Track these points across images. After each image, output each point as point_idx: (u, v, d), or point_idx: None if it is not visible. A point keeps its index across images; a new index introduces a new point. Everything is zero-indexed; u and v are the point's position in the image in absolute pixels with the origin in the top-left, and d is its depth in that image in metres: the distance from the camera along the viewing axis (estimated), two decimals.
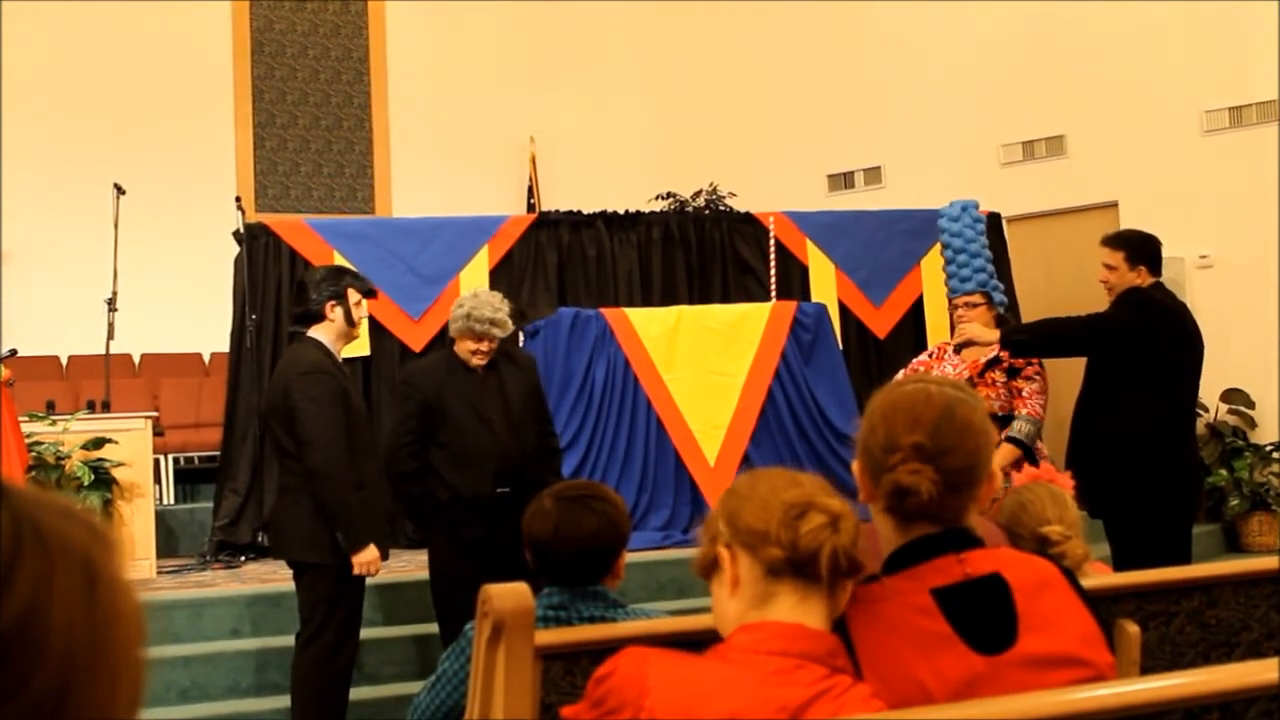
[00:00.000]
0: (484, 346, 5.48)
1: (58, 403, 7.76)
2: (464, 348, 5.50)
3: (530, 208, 12.08)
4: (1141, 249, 5.75)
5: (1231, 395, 9.28)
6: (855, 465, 2.11)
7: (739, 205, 10.49)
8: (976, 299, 6.57)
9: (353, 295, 5.22)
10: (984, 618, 1.98)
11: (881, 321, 9.12)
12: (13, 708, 0.84)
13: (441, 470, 5.43)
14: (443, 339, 8.22)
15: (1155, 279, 5.74)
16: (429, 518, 5.55)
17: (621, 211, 9.12)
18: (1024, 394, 6.16)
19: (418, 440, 5.46)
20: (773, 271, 8.55)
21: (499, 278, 8.23)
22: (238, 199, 8.94)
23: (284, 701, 5.35)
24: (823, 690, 1.82)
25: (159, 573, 7.23)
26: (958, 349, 6.34)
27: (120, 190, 8.61)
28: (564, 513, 3.06)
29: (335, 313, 5.18)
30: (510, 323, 5.59)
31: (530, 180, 12.74)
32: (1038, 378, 6.20)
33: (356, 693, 5.32)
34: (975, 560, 2.02)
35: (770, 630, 1.87)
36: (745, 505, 1.94)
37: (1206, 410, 9.15)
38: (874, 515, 2.10)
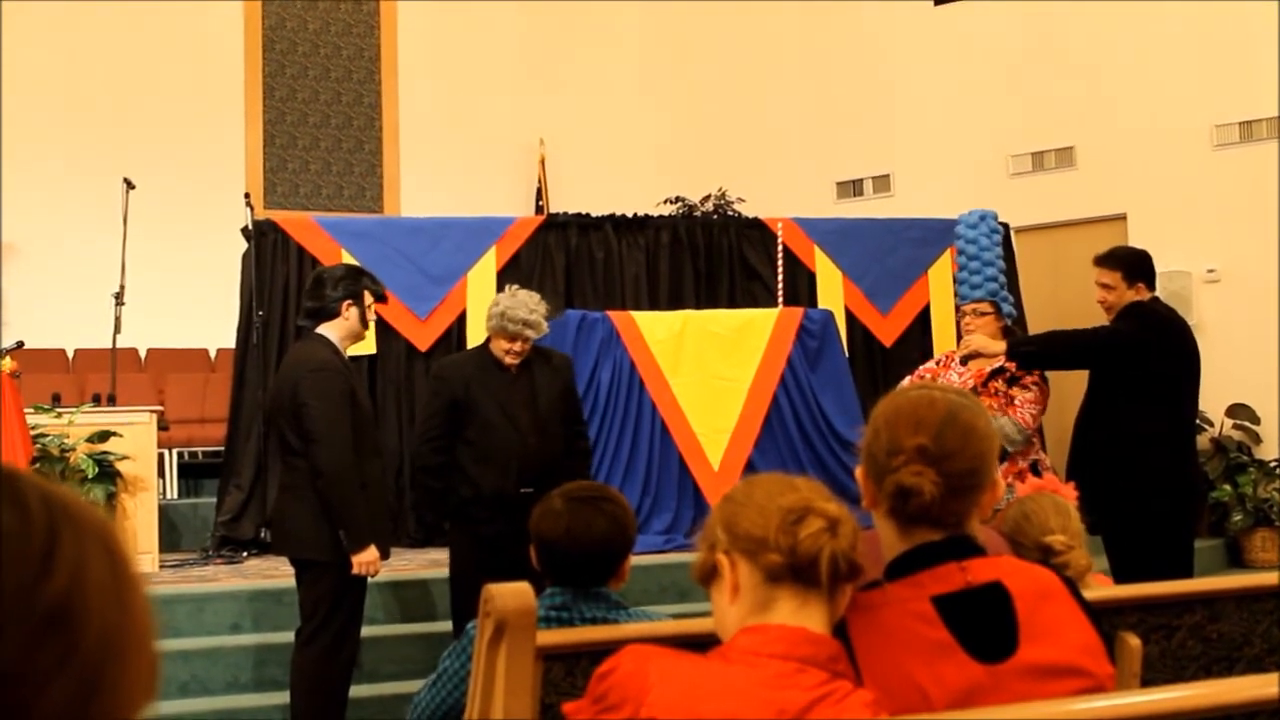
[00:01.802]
0: (516, 346, 5.50)
1: (63, 395, 7.78)
2: (498, 346, 5.53)
3: (539, 210, 12.09)
4: (1138, 266, 5.77)
5: (1236, 410, 9.27)
6: (859, 471, 2.12)
7: (747, 211, 10.49)
8: (985, 307, 6.57)
9: (367, 297, 5.23)
10: (985, 626, 1.98)
11: (888, 329, 9.12)
12: (53, 692, 0.84)
13: (466, 467, 5.45)
14: (448, 338, 8.27)
15: (1152, 293, 5.76)
16: (450, 514, 5.56)
17: (630, 215, 9.12)
18: (1016, 402, 6.15)
19: (444, 435, 5.48)
20: (780, 277, 8.55)
21: (506, 279, 8.20)
22: (246, 195, 8.94)
23: (283, 698, 5.35)
24: (823, 695, 1.82)
25: (161, 567, 7.24)
26: (964, 360, 6.33)
27: (130, 185, 8.64)
28: (574, 514, 3.06)
29: (350, 313, 5.17)
30: (545, 324, 5.60)
31: (539, 182, 12.75)
32: (1034, 388, 6.19)
33: (356, 690, 5.32)
34: (977, 568, 2.02)
35: (772, 633, 1.88)
36: (743, 512, 1.94)
37: (1211, 425, 9.14)
38: (876, 520, 2.10)
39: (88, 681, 0.86)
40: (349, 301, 5.17)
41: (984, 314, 6.48)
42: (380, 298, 5.36)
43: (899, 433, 2.04)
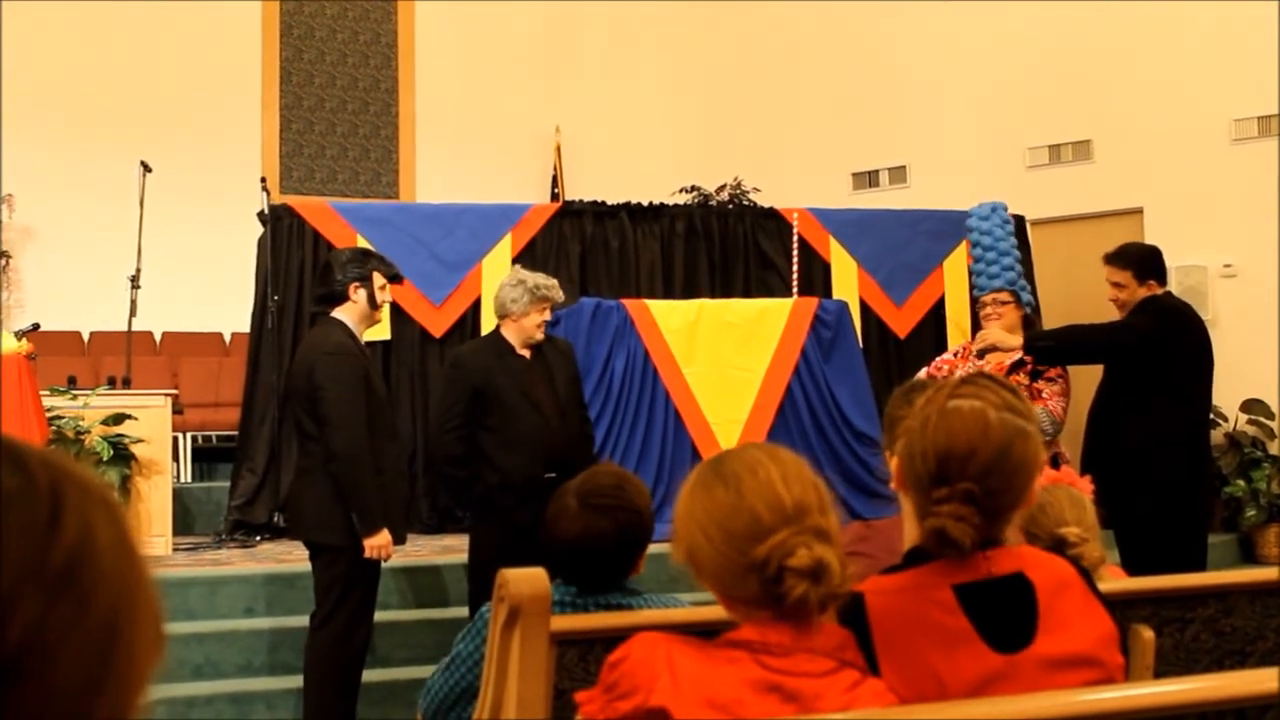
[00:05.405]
0: (548, 315, 5.60)
1: (79, 378, 7.81)
2: (532, 321, 5.55)
3: (554, 197, 12.09)
4: (1148, 264, 5.76)
5: (1252, 405, 9.24)
6: (892, 461, 2.10)
7: (763, 201, 10.47)
8: (1005, 296, 6.57)
9: (377, 279, 5.22)
10: (1004, 616, 1.98)
11: (902, 321, 9.10)
12: (69, 654, 0.84)
13: (491, 454, 5.43)
14: (463, 325, 8.27)
15: (1164, 288, 5.76)
16: (475, 501, 5.54)
17: (645, 203, 9.11)
18: (1044, 395, 6.13)
19: (465, 424, 5.47)
20: (795, 268, 8.53)
21: (521, 266, 8.23)
22: (263, 180, 8.96)
23: (296, 681, 5.37)
24: (830, 683, 1.83)
25: (175, 550, 7.26)
26: (980, 354, 6.32)
27: (146, 168, 8.65)
28: (590, 521, 2.97)
29: (359, 295, 5.18)
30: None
31: (555, 170, 12.74)
32: (1059, 380, 6.18)
33: (368, 675, 5.34)
34: (999, 558, 2.02)
35: (782, 623, 1.88)
36: (710, 561, 1.89)
37: (1226, 420, 9.12)
38: (903, 501, 2.10)
39: (102, 642, 0.87)
40: (356, 284, 5.18)
41: (1004, 303, 6.48)
42: (394, 278, 5.34)
43: (949, 461, 2.00)
